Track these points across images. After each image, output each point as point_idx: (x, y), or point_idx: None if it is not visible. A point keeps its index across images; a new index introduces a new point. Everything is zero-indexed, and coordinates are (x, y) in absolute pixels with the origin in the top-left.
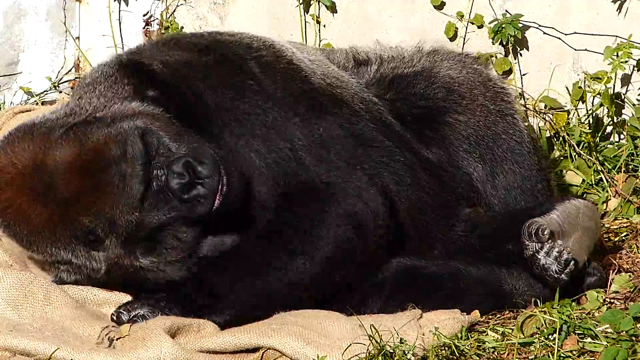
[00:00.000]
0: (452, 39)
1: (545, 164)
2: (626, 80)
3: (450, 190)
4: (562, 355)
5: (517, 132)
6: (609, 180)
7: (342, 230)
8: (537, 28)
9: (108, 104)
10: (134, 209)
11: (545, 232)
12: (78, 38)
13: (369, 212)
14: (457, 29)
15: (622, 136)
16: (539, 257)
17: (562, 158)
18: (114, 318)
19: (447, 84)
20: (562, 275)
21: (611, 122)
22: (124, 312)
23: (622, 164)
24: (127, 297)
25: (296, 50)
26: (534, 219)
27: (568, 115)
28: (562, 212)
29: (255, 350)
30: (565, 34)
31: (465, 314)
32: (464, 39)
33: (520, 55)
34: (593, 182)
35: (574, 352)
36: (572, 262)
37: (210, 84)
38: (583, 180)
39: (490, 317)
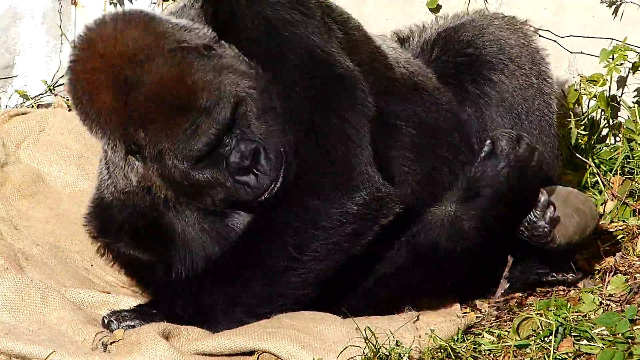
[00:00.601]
0: None
1: (559, 152)
2: (622, 82)
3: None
4: (558, 357)
5: (550, 113)
6: (605, 182)
7: None
8: (533, 31)
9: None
10: (187, 159)
11: None
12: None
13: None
14: None
15: (617, 138)
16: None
17: None
18: (105, 322)
19: (498, 41)
20: (541, 221)
21: (607, 125)
22: (114, 321)
23: (618, 166)
24: (124, 299)
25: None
26: None
27: (564, 118)
28: (550, 191)
29: (250, 353)
30: (561, 37)
31: (461, 316)
32: None
33: None
34: (589, 185)
35: (570, 355)
36: (552, 207)
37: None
38: (579, 182)
39: (487, 319)
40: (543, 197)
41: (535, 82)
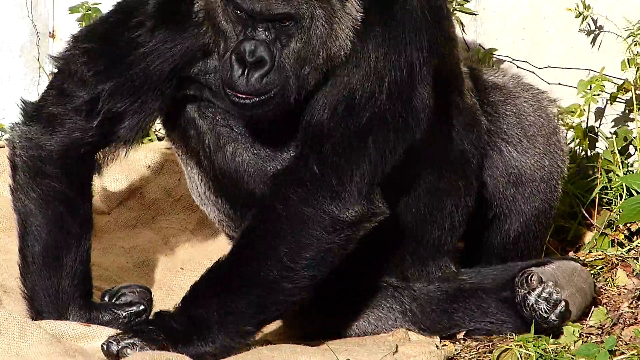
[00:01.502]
0: None
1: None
2: (599, 113)
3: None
4: None
5: (554, 199)
6: (584, 213)
7: None
8: (510, 62)
9: None
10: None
11: (534, 279)
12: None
13: None
14: None
15: (595, 169)
16: (529, 297)
17: None
18: (104, 348)
19: (519, 115)
20: (552, 315)
21: (585, 156)
22: (113, 342)
23: (595, 197)
24: (105, 331)
25: None
26: (528, 269)
27: None
28: (558, 267)
29: None
30: (539, 68)
31: (441, 347)
32: None
33: None
34: (567, 215)
35: None
36: (563, 303)
37: None
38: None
39: (466, 351)
40: (555, 294)
41: (547, 165)
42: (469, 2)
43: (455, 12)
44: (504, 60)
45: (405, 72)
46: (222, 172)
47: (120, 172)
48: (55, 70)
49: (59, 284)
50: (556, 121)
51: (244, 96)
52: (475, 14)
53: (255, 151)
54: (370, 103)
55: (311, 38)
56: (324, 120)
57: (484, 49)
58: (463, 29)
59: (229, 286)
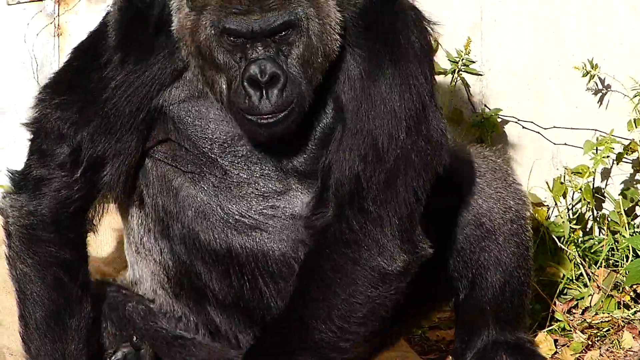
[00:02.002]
0: None
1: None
2: (606, 174)
3: None
4: None
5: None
6: (590, 275)
7: None
8: (516, 122)
9: None
10: (217, 26)
11: None
12: None
13: None
14: None
15: (602, 231)
16: None
17: (542, 253)
18: None
19: (472, 165)
20: None
21: (592, 217)
22: None
23: (603, 258)
24: None
25: None
26: None
27: (548, 210)
28: None
29: None
30: (545, 128)
31: None
32: None
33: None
34: (574, 277)
35: None
36: None
37: None
38: (563, 275)
39: None
40: None
41: (513, 205)
42: (474, 62)
43: (460, 72)
44: (509, 121)
45: (420, 106)
46: (167, 211)
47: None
48: (31, 136)
49: (64, 348)
50: (506, 166)
51: (269, 115)
52: (481, 74)
53: (205, 186)
54: (393, 145)
55: (310, 39)
56: (357, 173)
57: (489, 109)
58: (469, 90)
59: (281, 351)
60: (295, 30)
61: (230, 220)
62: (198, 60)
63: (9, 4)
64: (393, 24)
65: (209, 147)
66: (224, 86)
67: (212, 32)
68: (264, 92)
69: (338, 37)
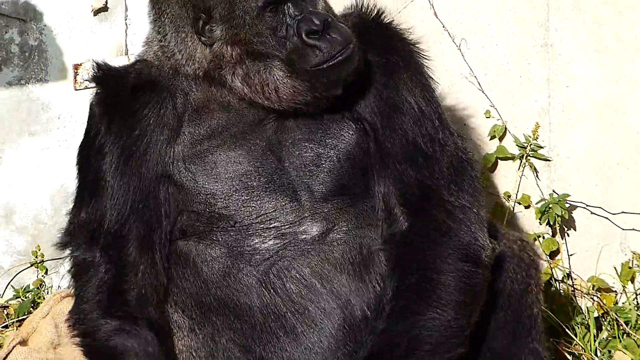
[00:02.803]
0: (500, 218)
1: None
2: None
3: None
4: None
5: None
6: None
7: None
8: (584, 208)
9: None
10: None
11: None
12: None
13: None
14: (504, 208)
15: None
16: None
17: (610, 338)
18: None
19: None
20: None
21: None
22: None
23: None
24: None
25: None
26: None
27: (616, 295)
28: None
29: None
30: (613, 214)
31: None
32: (511, 218)
33: (568, 235)
34: None
35: None
36: None
37: None
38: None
39: None
40: None
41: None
42: (542, 148)
43: (529, 158)
44: (577, 206)
45: (440, 108)
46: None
47: None
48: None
49: None
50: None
51: (341, 50)
52: (549, 160)
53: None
54: (436, 145)
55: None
56: (417, 177)
57: (557, 194)
58: (537, 175)
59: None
60: None
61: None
62: (243, 68)
63: (76, 89)
64: (390, 36)
65: (221, 202)
66: (281, 72)
67: (255, 13)
68: (326, 36)
69: None
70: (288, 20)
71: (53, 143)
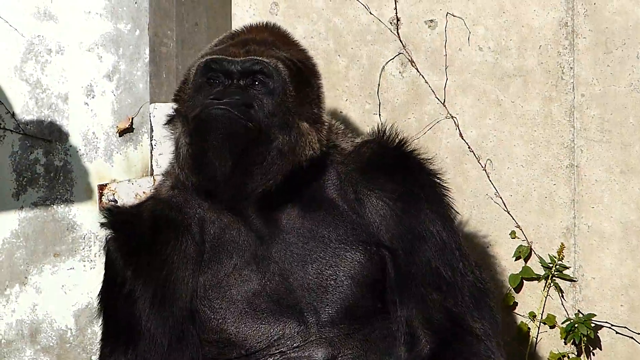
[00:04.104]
0: (525, 337)
1: None
2: None
3: None
4: None
5: None
6: None
7: None
8: (609, 328)
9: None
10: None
11: None
12: None
13: None
14: (530, 328)
15: None
16: None
17: None
18: None
19: None
20: None
21: None
22: None
23: None
24: None
25: None
26: None
27: None
28: None
29: None
30: (638, 334)
31: None
32: (537, 338)
33: (593, 354)
34: None
35: None
36: None
37: None
38: None
39: None
40: None
41: None
42: (567, 268)
43: (554, 278)
44: (603, 326)
45: (459, 240)
46: None
47: None
48: None
49: None
50: None
51: (220, 102)
52: (575, 280)
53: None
54: (458, 274)
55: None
56: (441, 303)
57: (582, 314)
58: (562, 296)
59: None
60: (266, 81)
61: None
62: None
63: (101, 210)
64: (413, 167)
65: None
66: None
67: (198, 72)
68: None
69: (310, 151)
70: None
71: (78, 263)
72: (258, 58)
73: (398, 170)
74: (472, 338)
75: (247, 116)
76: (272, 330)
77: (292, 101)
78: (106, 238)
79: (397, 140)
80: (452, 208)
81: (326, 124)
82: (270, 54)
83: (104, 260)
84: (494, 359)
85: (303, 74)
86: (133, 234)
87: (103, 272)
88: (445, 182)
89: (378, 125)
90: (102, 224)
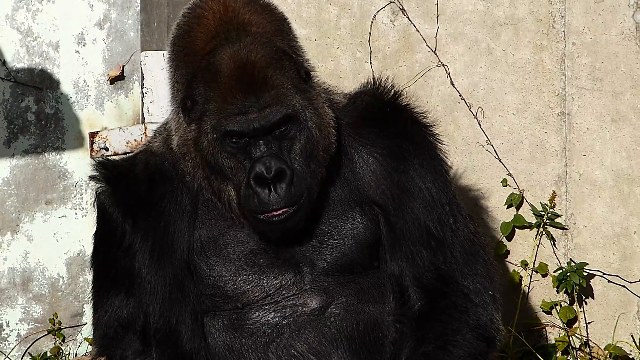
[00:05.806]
0: (517, 286)
1: None
2: None
3: None
4: None
5: None
6: None
7: None
8: (601, 276)
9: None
10: (219, 130)
11: None
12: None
13: None
14: (522, 277)
15: None
16: None
17: None
18: None
19: None
20: None
21: None
22: None
23: None
24: None
25: None
26: None
27: None
28: None
29: None
30: (630, 282)
31: None
32: (529, 287)
33: (585, 303)
34: None
35: None
36: None
37: None
38: None
39: None
40: None
41: None
42: (559, 216)
43: (546, 226)
44: (595, 274)
45: (452, 193)
46: None
47: None
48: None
49: None
50: None
51: (279, 212)
52: (566, 229)
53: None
54: (447, 230)
55: (310, 131)
56: (431, 260)
57: (574, 262)
58: (554, 244)
59: None
60: (294, 124)
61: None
62: (205, 170)
63: (93, 157)
64: (405, 121)
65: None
66: (233, 193)
67: (215, 136)
68: (272, 188)
69: (334, 131)
70: (251, 152)
71: (69, 211)
72: (274, 110)
73: (390, 124)
74: (461, 296)
75: (290, 180)
76: (268, 284)
77: (311, 116)
78: (98, 191)
79: (391, 93)
80: (445, 162)
81: (323, 94)
82: (278, 84)
83: (95, 211)
84: (482, 316)
85: (301, 73)
86: (129, 188)
87: (95, 225)
88: (439, 136)
89: (372, 76)
90: (96, 178)
